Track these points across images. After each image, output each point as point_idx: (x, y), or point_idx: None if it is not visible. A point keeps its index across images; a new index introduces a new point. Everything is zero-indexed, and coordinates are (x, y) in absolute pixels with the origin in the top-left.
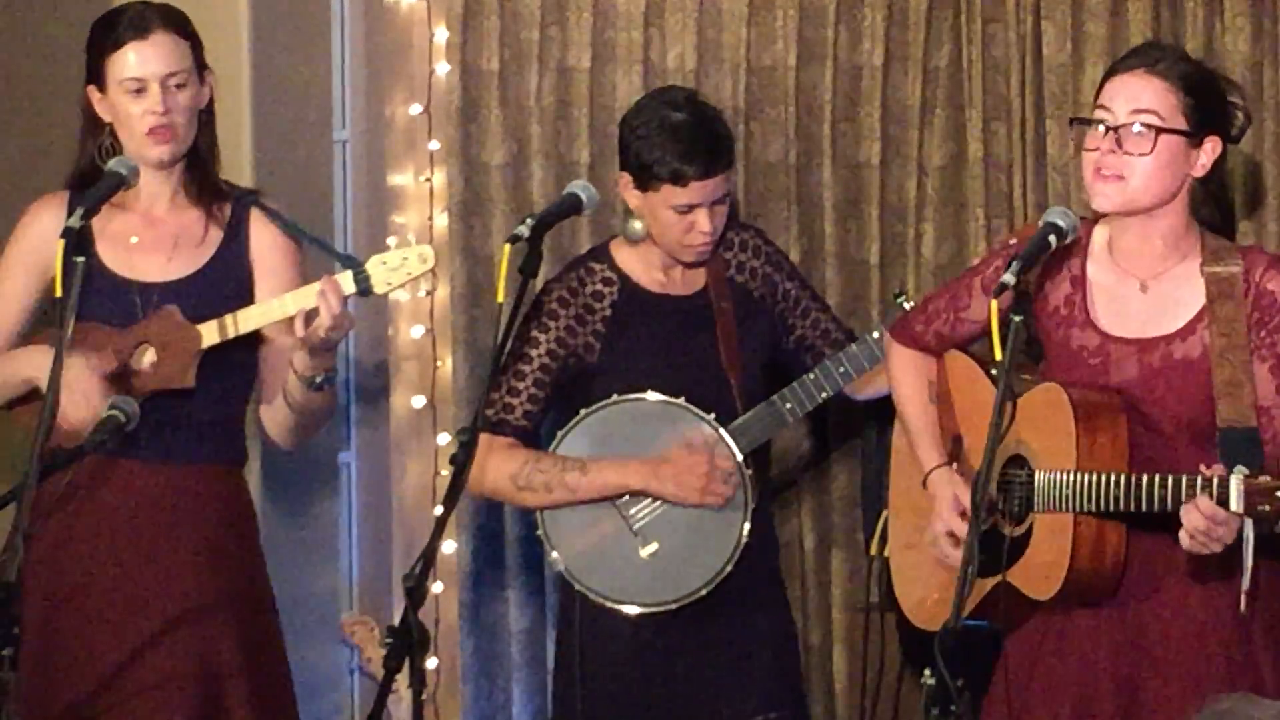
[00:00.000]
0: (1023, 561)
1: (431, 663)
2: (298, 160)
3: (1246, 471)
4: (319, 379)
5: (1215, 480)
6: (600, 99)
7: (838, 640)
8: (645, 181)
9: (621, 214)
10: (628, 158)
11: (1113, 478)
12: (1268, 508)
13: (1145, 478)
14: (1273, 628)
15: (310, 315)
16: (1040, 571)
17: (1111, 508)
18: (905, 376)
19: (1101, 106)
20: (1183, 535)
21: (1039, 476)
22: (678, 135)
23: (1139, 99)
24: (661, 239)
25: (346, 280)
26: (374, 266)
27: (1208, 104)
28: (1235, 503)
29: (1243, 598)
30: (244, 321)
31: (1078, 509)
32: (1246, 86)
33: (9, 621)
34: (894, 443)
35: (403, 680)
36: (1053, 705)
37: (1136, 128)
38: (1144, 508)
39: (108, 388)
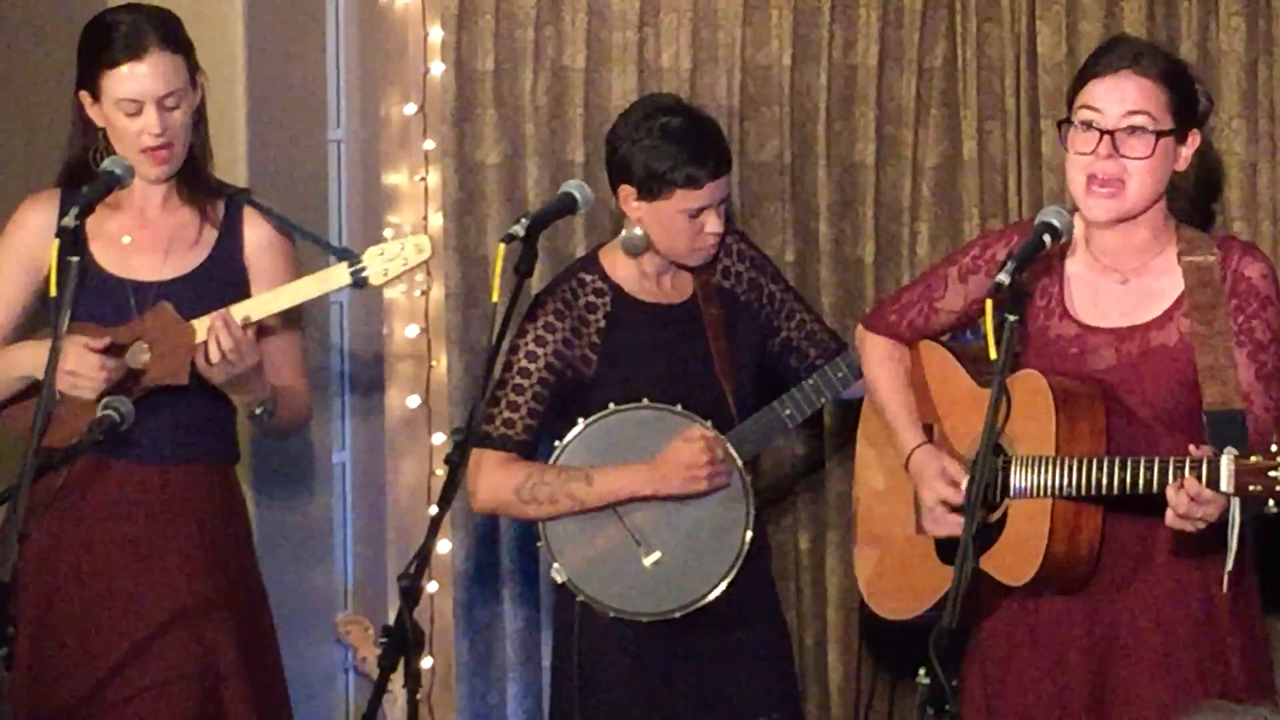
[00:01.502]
0: (996, 548)
1: (426, 662)
2: (292, 160)
3: (1236, 452)
4: (257, 410)
5: (1205, 461)
6: (595, 99)
7: (832, 640)
8: (655, 190)
9: (617, 226)
10: (630, 170)
11: (1095, 460)
12: (1259, 487)
13: (1130, 459)
14: (1242, 624)
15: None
16: (1015, 557)
17: (1094, 490)
18: (880, 363)
19: (1089, 108)
20: (1169, 514)
21: (1018, 461)
22: (684, 139)
23: (1131, 101)
24: (669, 246)
25: (341, 273)
26: (369, 258)
27: (1186, 97)
28: (1226, 483)
29: (1225, 578)
30: (238, 315)
31: (1057, 493)
32: (1241, 86)
33: (3, 622)
34: (859, 441)
35: (397, 680)
36: (1027, 694)
37: (1134, 131)
38: (1128, 490)
39: (106, 361)
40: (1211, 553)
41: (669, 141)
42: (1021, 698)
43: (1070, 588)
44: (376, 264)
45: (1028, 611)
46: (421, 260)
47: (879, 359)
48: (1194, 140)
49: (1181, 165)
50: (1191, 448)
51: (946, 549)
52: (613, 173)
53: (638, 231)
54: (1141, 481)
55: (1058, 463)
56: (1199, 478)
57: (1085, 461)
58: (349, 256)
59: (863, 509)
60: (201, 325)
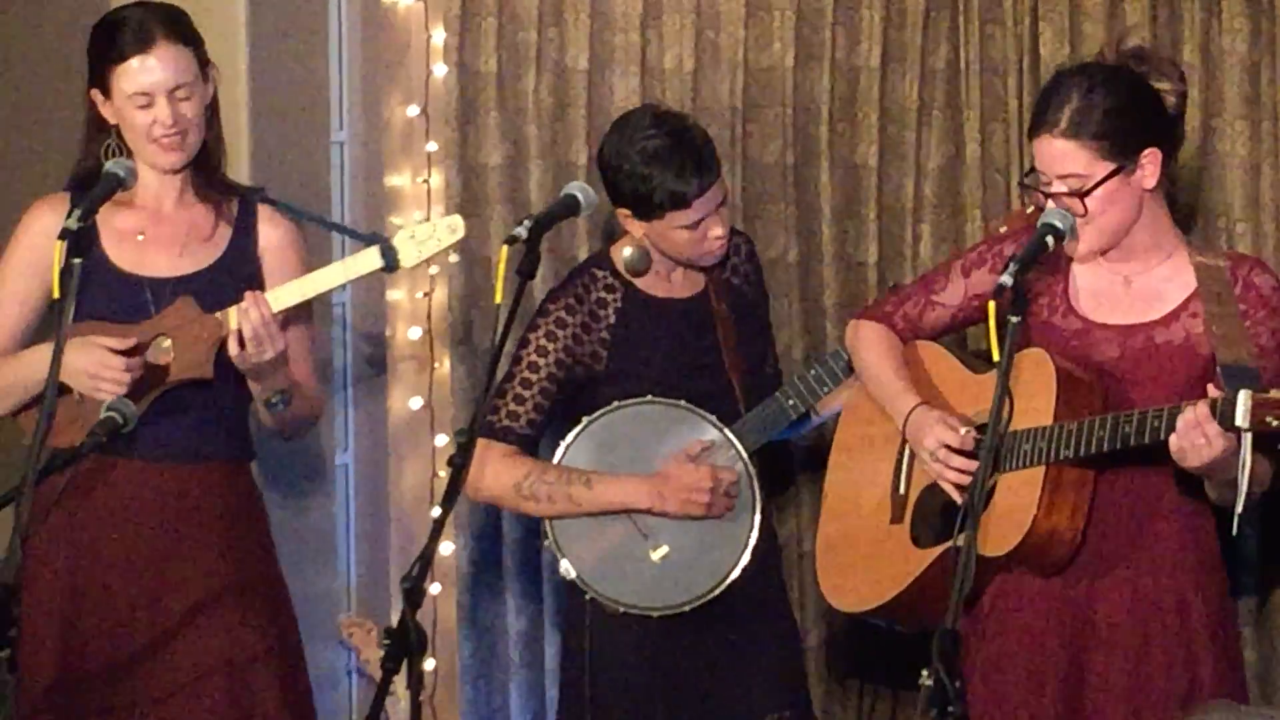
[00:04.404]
0: (980, 522)
1: (429, 664)
2: (295, 162)
3: (1252, 389)
4: (273, 399)
5: (1220, 399)
6: (598, 100)
7: (836, 641)
8: (648, 212)
9: (619, 245)
10: (621, 194)
11: (1096, 419)
12: (1275, 421)
13: (1135, 412)
14: (1215, 626)
15: (241, 337)
16: (999, 528)
17: (1094, 449)
18: (872, 344)
19: (1035, 168)
20: (1172, 440)
21: (1012, 436)
22: (665, 160)
23: (1054, 165)
24: (677, 254)
25: (372, 256)
26: (401, 241)
27: (1128, 128)
28: (1241, 417)
29: (1235, 520)
30: (273, 304)
31: (1053, 457)
32: (1244, 87)
33: (7, 624)
34: (834, 448)
35: (400, 681)
36: (1005, 680)
37: (1068, 193)
38: (1132, 442)
39: (130, 362)
40: (1190, 551)
41: (650, 165)
42: (999, 683)
43: (1048, 567)
44: (408, 247)
45: (1007, 595)
46: (455, 240)
47: (870, 339)
48: (1151, 157)
49: (1148, 184)
50: (1211, 387)
51: (921, 534)
52: (608, 193)
53: (635, 251)
54: (1149, 430)
55: (1055, 429)
56: (1213, 413)
57: (1081, 421)
58: (379, 241)
59: (830, 513)
60: (224, 316)
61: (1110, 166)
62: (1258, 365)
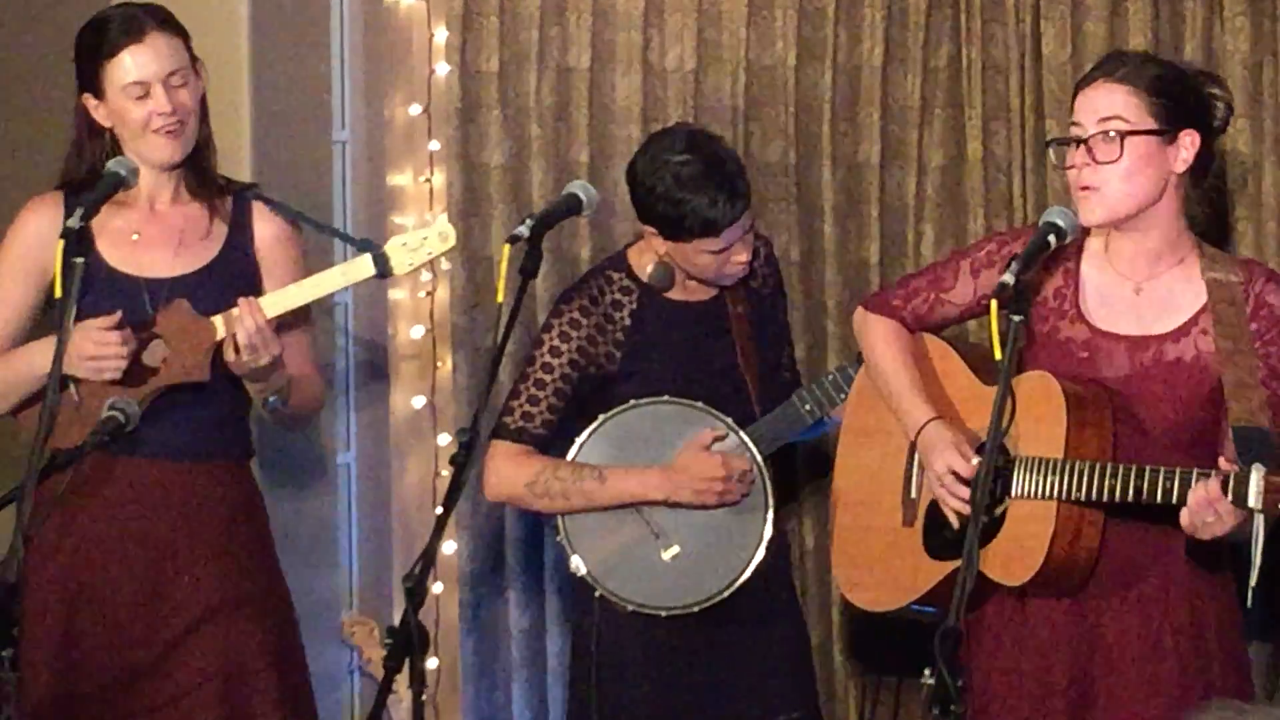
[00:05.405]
0: (992, 546)
1: (431, 663)
2: (297, 161)
3: (1265, 469)
4: (270, 398)
5: (1233, 475)
6: (600, 99)
7: (838, 640)
8: (676, 235)
9: (636, 251)
10: (651, 214)
11: (1109, 466)
12: None
13: (1150, 468)
14: (1227, 637)
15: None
16: (1012, 557)
17: (1105, 496)
18: (885, 342)
19: (1074, 123)
20: (1183, 513)
21: (1022, 461)
22: (699, 187)
23: (1102, 108)
24: (699, 274)
25: (365, 264)
26: (393, 248)
27: (1178, 99)
28: (1254, 498)
29: (1250, 593)
30: (266, 310)
31: (1064, 495)
32: (1246, 86)
33: (8, 623)
34: (843, 433)
35: (402, 681)
36: (1012, 693)
37: (1104, 135)
38: (1144, 498)
39: (124, 335)
40: (1203, 565)
41: (683, 190)
42: (1006, 696)
43: (1063, 592)
44: (400, 255)
45: (1016, 611)
46: (446, 248)
47: (883, 337)
48: (1192, 141)
49: (1179, 167)
50: (1222, 461)
51: (934, 544)
52: (636, 209)
53: (658, 268)
54: (1160, 491)
55: (1067, 466)
56: (1224, 490)
57: (1094, 466)
58: (370, 248)
59: (843, 500)
60: (219, 321)
61: (1153, 125)
62: (1270, 424)
